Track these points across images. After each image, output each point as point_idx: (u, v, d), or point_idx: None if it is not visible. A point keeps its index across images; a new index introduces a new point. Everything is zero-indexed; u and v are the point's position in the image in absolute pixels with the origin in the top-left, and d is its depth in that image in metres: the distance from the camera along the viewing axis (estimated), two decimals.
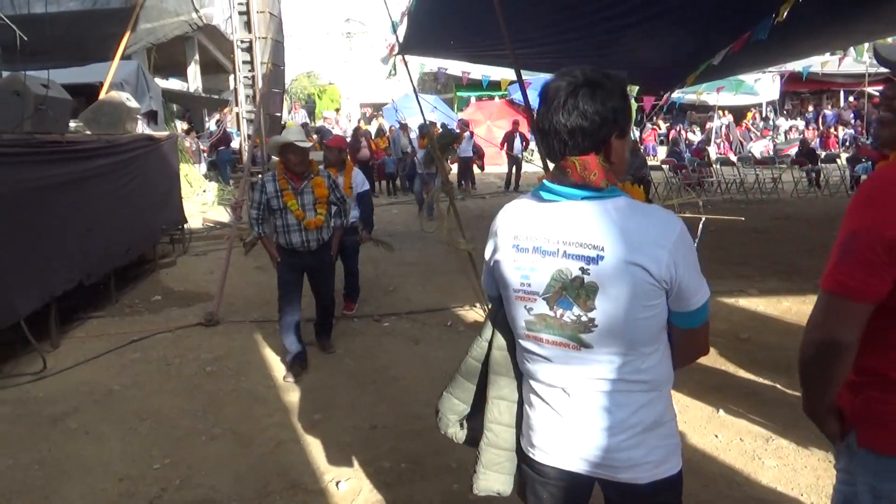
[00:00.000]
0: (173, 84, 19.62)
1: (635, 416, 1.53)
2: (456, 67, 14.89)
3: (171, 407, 4.24)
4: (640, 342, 1.50)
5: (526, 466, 1.73)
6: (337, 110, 32.32)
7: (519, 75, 6.54)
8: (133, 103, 7.81)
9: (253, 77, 10.36)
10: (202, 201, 13.69)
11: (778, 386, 4.21)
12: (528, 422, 1.68)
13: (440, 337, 5.49)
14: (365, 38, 29.05)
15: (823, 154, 16.82)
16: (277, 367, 4.85)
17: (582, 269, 1.47)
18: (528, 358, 1.64)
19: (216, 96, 18.54)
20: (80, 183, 5.88)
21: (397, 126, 16.34)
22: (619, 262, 1.44)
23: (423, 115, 7.93)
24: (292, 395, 4.39)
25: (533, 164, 17.55)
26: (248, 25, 10.34)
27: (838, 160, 15.58)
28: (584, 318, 1.49)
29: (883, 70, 23.44)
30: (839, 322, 1.44)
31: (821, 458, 3.34)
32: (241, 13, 10.40)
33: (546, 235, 1.52)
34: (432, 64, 13.90)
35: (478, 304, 6.14)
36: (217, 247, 9.88)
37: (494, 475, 1.75)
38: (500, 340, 1.73)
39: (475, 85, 17.87)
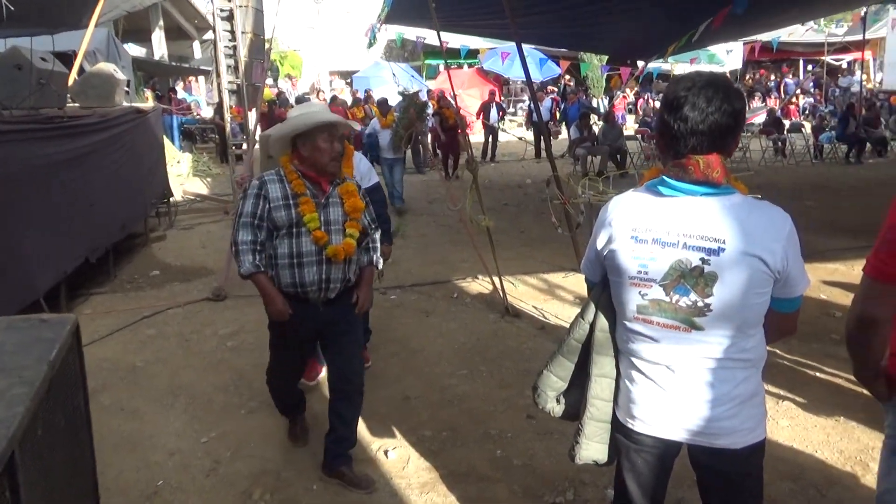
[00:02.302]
0: (136, 51, 19.10)
1: (736, 389, 1.73)
2: (434, 37, 14.82)
3: (201, 382, 4.33)
4: (748, 325, 1.69)
5: (621, 436, 1.92)
6: (288, 76, 31.64)
7: (520, 48, 6.66)
8: (120, 75, 7.67)
9: (234, 47, 10.18)
10: (177, 172, 13.51)
11: (777, 351, 4.49)
12: (627, 395, 1.87)
13: (449, 309, 5.66)
14: (332, 4, 28.49)
15: (788, 123, 17.33)
16: None
17: (702, 259, 1.64)
18: (633, 338, 1.81)
19: (186, 65, 18.10)
20: (81, 158, 5.82)
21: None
22: (738, 254, 1.62)
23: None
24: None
25: (507, 134, 17.71)
26: None
27: (803, 129, 16.12)
28: (699, 304, 1.67)
29: (840, 39, 23.94)
30: (875, 302, 1.71)
31: (828, 418, 3.64)
32: None
33: (666, 228, 1.69)
34: (411, 33, 13.79)
35: (480, 276, 6.32)
36: (202, 220, 9.84)
37: (596, 445, 1.94)
38: (602, 322, 1.90)
39: (451, 53, 17.78)
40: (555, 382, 2.02)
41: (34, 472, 1.09)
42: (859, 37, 19.50)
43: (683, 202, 1.69)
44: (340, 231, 3.00)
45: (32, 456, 1.07)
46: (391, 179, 9.93)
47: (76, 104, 6.95)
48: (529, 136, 17.39)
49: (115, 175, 6.71)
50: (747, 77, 27.03)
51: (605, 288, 1.89)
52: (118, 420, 3.88)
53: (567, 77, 23.78)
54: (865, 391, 1.95)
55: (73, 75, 8.15)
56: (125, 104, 7.86)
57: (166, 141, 14.34)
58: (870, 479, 3.07)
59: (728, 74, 25.00)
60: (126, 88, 7.86)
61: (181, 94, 18.86)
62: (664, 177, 1.71)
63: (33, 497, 1.06)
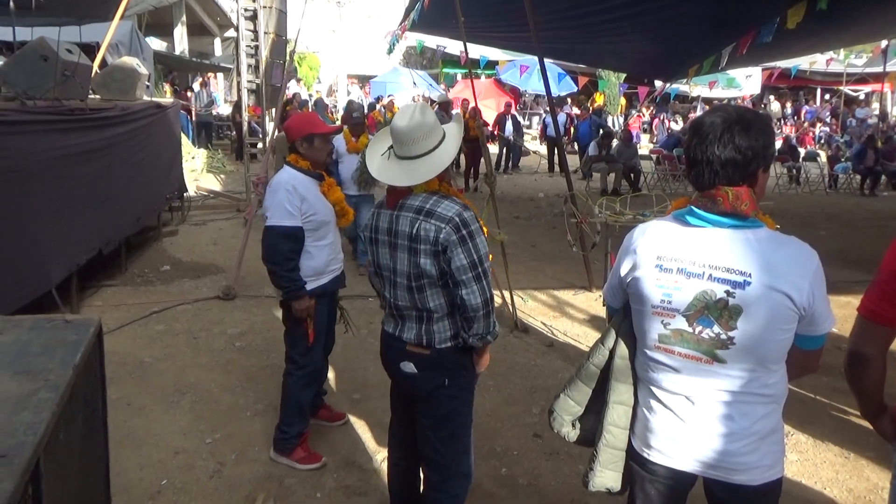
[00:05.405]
0: (157, 44, 19.23)
1: (756, 425, 1.71)
2: (454, 46, 14.90)
3: (208, 381, 4.33)
4: (771, 360, 1.68)
5: (636, 465, 1.90)
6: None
7: (542, 62, 6.68)
8: (143, 69, 7.71)
9: (256, 47, 10.23)
10: (191, 168, 13.57)
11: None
12: (645, 424, 1.85)
13: None
14: (354, 8, 28.62)
15: (803, 151, 17.27)
16: None
17: (727, 292, 1.63)
18: (654, 367, 1.79)
19: (206, 61, 18.20)
20: (101, 150, 5.86)
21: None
22: (764, 289, 1.60)
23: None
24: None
25: (523, 146, 17.70)
26: None
27: (819, 158, 16.06)
28: (723, 336, 1.65)
29: (858, 70, 23.88)
30: (864, 340, 1.77)
31: (837, 454, 3.61)
32: None
33: (692, 258, 1.68)
34: (431, 41, 13.84)
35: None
36: (214, 216, 9.87)
37: (610, 473, 1.92)
38: (623, 349, 1.88)
39: (470, 63, 17.83)
40: (571, 406, 2.00)
41: (53, 478, 1.08)
42: (879, 69, 19.46)
43: (710, 233, 1.68)
44: None
45: (54, 462, 1.07)
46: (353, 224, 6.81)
47: (98, 96, 6.99)
48: (543, 149, 17.39)
49: (133, 168, 6.75)
50: (764, 102, 26.94)
51: (627, 315, 1.88)
52: (124, 415, 3.88)
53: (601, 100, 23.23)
54: None
55: (96, 67, 8.21)
56: (146, 98, 7.91)
57: (183, 136, 14.47)
58: None
59: (745, 98, 25.04)
60: (147, 83, 7.90)
61: (198, 89, 18.92)
62: (692, 207, 1.70)
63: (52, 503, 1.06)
